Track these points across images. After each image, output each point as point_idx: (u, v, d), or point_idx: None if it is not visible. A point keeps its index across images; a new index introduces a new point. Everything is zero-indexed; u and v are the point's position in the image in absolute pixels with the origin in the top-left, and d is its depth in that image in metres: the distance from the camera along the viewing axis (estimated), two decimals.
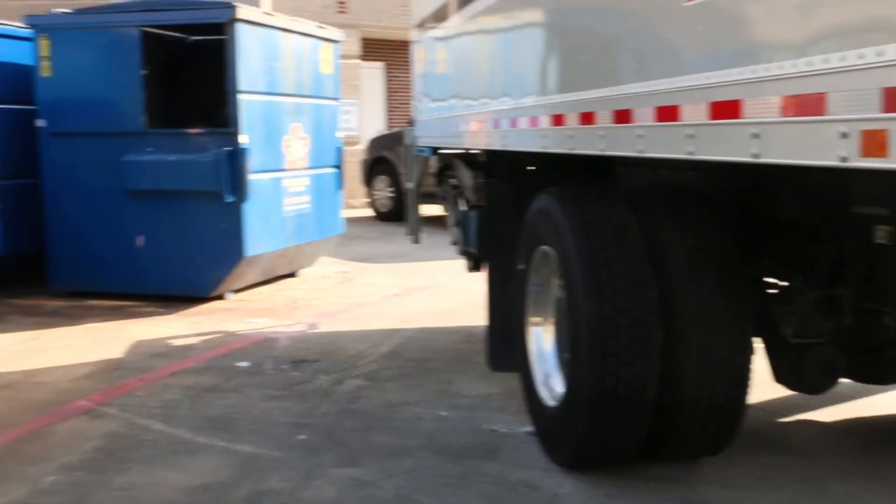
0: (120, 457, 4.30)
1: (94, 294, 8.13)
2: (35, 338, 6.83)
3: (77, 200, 8.09)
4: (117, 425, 4.76)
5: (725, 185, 3.88)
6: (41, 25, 8.08)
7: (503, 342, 4.81)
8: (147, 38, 7.98)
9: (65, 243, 8.15)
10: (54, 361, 6.10)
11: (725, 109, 2.53)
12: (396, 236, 11.44)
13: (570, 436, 3.84)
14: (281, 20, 8.50)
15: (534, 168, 4.98)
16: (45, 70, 8.04)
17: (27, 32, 8.25)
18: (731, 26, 2.58)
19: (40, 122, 8.13)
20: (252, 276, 8.41)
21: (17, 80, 8.28)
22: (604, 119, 3.31)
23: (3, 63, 8.23)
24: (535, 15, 4.20)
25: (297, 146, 8.70)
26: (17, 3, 12.72)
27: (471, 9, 5.25)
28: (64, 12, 8.21)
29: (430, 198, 7.72)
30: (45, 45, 8.03)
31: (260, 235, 8.03)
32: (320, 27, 9.30)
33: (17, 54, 8.38)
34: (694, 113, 2.69)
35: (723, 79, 2.53)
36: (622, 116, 3.15)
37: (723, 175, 3.70)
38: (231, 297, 8.17)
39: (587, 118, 3.47)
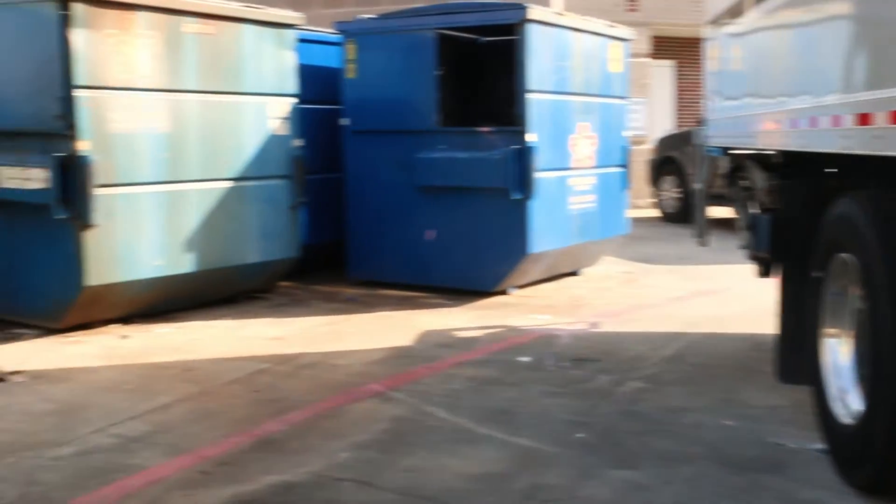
0: (406, 440, 4.53)
1: (385, 284, 8.59)
2: (333, 322, 7.32)
3: (374, 194, 8.56)
4: (404, 410, 5.00)
5: None
6: (349, 31, 8.64)
7: (794, 353, 4.57)
8: (440, 40, 8.31)
9: (362, 235, 8.66)
10: (350, 345, 6.51)
11: None
12: (682, 238, 11.18)
13: (868, 457, 3.59)
14: (571, 19, 8.55)
15: (834, 170, 4.69)
16: (351, 72, 8.59)
17: (334, 37, 8.87)
18: None
19: (344, 121, 8.68)
20: (535, 272, 8.53)
21: (324, 82, 8.89)
22: None
23: (314, 66, 8.85)
24: (840, 7, 3.95)
25: (583, 145, 8.72)
26: (328, 11, 13.72)
27: (769, 3, 5.03)
28: (369, 18, 8.74)
29: (718, 199, 7.47)
30: (351, 49, 8.57)
31: (544, 233, 8.13)
32: (610, 26, 9.26)
33: (326, 58, 9.02)
34: None
35: None
36: None
37: None
38: (514, 292, 8.33)
39: None
